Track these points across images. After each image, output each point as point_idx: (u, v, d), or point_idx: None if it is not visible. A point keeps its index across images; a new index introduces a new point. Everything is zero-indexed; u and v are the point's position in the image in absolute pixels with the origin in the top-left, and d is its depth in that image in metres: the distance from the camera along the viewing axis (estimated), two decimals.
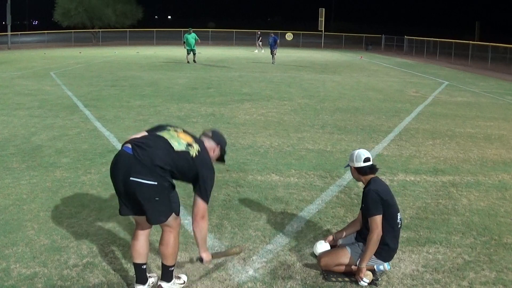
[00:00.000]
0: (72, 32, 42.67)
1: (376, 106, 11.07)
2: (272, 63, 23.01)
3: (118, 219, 4.30)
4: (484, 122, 9.52)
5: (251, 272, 3.47)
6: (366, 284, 3.27)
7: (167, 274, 3.17)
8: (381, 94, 13.13)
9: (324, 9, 44.61)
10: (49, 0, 49.36)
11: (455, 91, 14.62)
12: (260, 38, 34.78)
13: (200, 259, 3.12)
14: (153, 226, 3.19)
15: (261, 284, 3.31)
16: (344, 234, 3.69)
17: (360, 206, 3.72)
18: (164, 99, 11.19)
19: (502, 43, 27.25)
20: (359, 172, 3.50)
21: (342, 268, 3.41)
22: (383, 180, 3.64)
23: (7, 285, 3.22)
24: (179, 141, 3.02)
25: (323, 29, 44.46)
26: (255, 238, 4.02)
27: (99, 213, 4.44)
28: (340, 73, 19.44)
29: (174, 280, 3.23)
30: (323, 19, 44.27)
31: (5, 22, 37.62)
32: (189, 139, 3.09)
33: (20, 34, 40.50)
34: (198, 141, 3.16)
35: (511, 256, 3.82)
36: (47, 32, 41.85)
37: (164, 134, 3.05)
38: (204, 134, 3.30)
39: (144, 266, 3.17)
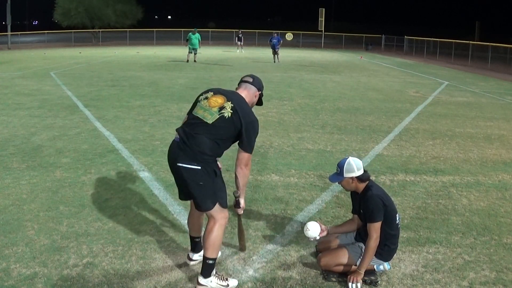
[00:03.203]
0: (72, 32, 42.69)
1: (376, 106, 11.07)
2: (275, 62, 23.19)
3: (118, 219, 4.31)
4: (484, 122, 9.52)
5: (251, 272, 3.47)
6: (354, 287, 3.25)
7: (205, 267, 3.18)
8: (381, 94, 13.13)
9: (324, 9, 44.64)
10: (49, 0, 49.39)
11: (455, 91, 14.62)
12: (242, 37, 33.88)
13: (238, 203, 3.28)
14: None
15: (261, 284, 3.31)
16: (338, 234, 3.66)
17: (352, 209, 3.67)
18: (164, 99, 11.19)
19: (502, 43, 27.25)
20: (361, 180, 3.37)
21: (342, 268, 3.40)
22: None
23: (7, 285, 3.22)
24: (210, 111, 3.12)
25: (323, 29, 44.48)
26: (255, 238, 4.02)
27: (99, 213, 4.44)
28: (340, 73, 19.44)
29: (213, 278, 3.20)
30: (323, 19, 44.29)
31: (5, 22, 37.60)
32: (221, 101, 3.15)
33: (20, 34, 40.52)
34: (232, 95, 3.21)
35: (511, 256, 3.81)
36: (47, 32, 41.89)
37: (198, 111, 3.17)
38: (243, 81, 3.38)
39: (197, 239, 3.54)
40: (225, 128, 3.08)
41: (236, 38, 34.00)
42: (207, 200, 3.12)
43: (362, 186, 3.40)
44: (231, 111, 3.09)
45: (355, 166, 3.34)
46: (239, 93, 3.30)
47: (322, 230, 3.52)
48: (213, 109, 3.11)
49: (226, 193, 3.24)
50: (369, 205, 3.28)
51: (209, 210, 3.15)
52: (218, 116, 3.08)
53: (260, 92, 3.37)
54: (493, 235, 4.19)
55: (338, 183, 3.46)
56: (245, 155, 3.14)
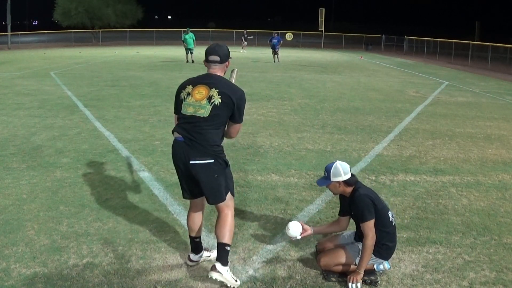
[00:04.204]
0: (72, 32, 42.66)
1: (376, 106, 11.07)
2: (275, 62, 23.23)
3: (118, 219, 4.31)
4: (484, 122, 9.52)
5: (251, 272, 3.47)
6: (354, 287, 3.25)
7: (224, 254, 3.17)
8: (381, 94, 13.13)
9: (324, 9, 44.61)
10: (49, 0, 49.40)
11: (455, 91, 14.62)
12: (247, 37, 33.84)
13: None
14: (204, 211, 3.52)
15: (261, 284, 3.31)
16: (337, 234, 3.66)
17: (339, 211, 3.67)
18: (164, 99, 11.18)
19: (502, 43, 27.26)
20: (348, 184, 3.37)
21: (342, 268, 3.40)
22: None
23: (7, 285, 3.22)
24: (201, 105, 3.15)
25: (323, 29, 44.47)
26: (255, 238, 4.02)
27: (99, 213, 4.44)
28: (340, 73, 19.45)
29: (229, 269, 3.20)
30: (323, 19, 44.27)
31: (5, 22, 37.60)
32: (205, 91, 3.18)
33: (20, 34, 40.47)
34: (211, 80, 3.23)
35: (511, 256, 3.82)
36: (47, 32, 41.85)
37: (189, 109, 3.18)
38: (212, 61, 3.29)
39: (198, 240, 3.51)
40: (221, 113, 3.17)
41: (242, 37, 33.94)
42: (222, 191, 3.21)
43: (349, 190, 3.40)
44: (220, 96, 3.14)
45: (342, 170, 3.34)
46: (214, 73, 3.29)
47: (304, 230, 3.55)
48: (202, 102, 3.15)
49: (233, 181, 3.38)
50: (358, 206, 3.29)
51: (223, 201, 3.23)
52: (211, 107, 3.14)
53: (228, 60, 3.38)
54: (493, 235, 4.19)
55: (326, 186, 3.47)
56: (237, 126, 3.31)
